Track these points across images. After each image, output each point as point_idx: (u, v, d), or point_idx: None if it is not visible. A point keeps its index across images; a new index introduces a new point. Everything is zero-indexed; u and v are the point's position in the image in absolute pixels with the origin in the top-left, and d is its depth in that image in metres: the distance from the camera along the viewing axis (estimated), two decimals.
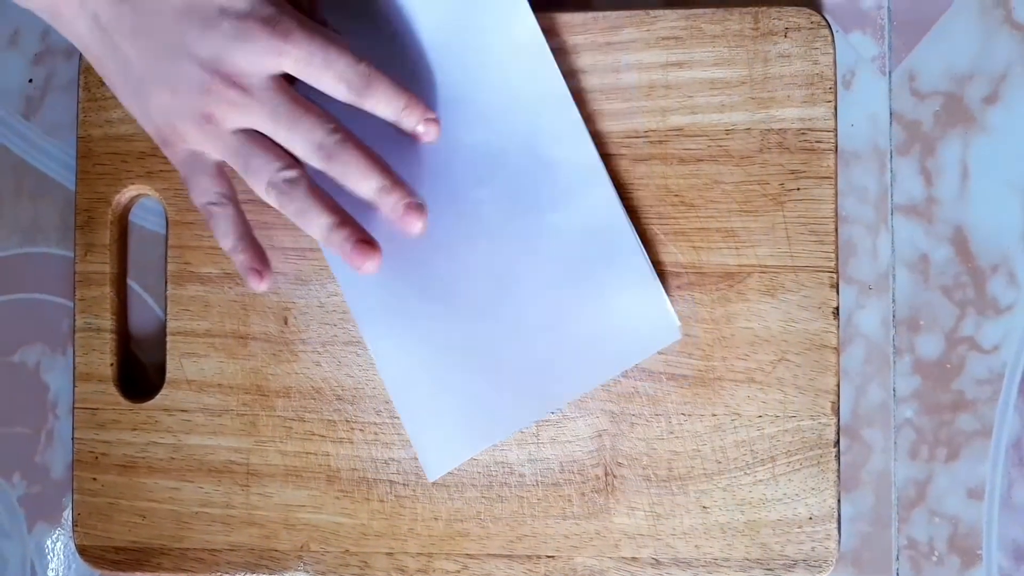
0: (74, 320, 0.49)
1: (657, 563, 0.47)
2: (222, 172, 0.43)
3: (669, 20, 0.47)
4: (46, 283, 0.52)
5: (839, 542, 0.46)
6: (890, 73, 0.49)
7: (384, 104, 0.43)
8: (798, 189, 0.47)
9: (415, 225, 0.43)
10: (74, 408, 0.49)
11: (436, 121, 0.44)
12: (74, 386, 0.49)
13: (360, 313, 0.47)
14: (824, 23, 0.47)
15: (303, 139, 0.42)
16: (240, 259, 0.44)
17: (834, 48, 0.46)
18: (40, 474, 0.52)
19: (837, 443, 0.46)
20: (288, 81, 0.42)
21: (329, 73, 0.41)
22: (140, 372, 0.51)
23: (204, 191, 0.43)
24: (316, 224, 0.42)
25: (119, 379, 0.49)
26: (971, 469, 0.48)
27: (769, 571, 0.46)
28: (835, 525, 0.46)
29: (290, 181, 0.42)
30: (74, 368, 0.49)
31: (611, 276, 0.46)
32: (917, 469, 0.48)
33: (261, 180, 0.42)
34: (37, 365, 0.52)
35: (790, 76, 0.47)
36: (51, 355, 0.52)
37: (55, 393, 0.52)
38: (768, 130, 0.47)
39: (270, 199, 0.42)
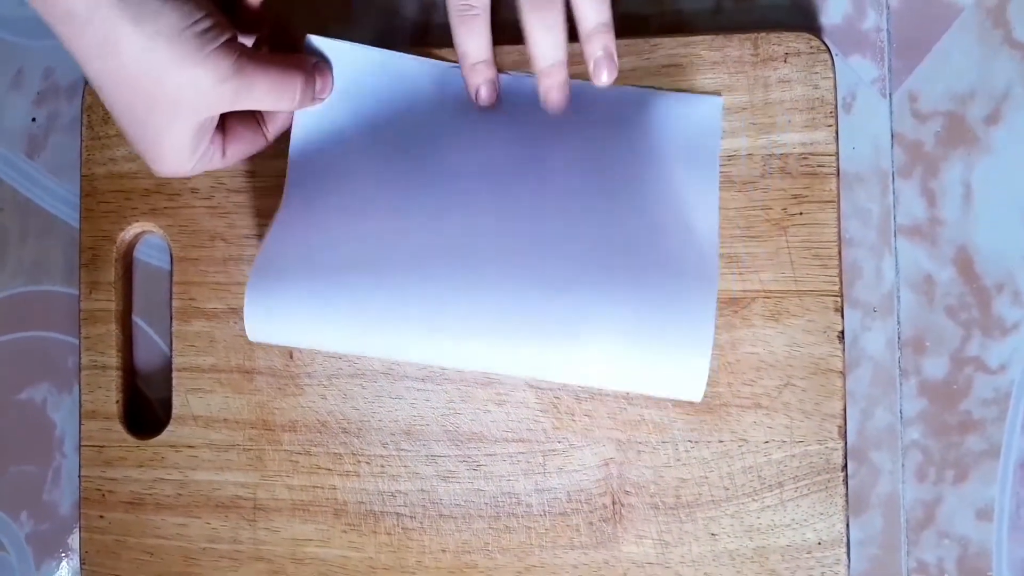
0: (80, 358, 0.49)
1: None
2: None
3: (668, 48, 0.47)
4: (51, 321, 0.52)
5: (848, 567, 0.46)
6: (891, 95, 0.49)
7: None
8: (801, 214, 0.46)
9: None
10: (80, 446, 0.49)
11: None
12: (80, 424, 0.49)
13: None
14: (824, 47, 0.46)
15: None
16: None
17: (834, 72, 0.46)
18: (47, 512, 0.52)
19: (844, 467, 0.46)
20: None
21: None
22: (146, 409, 0.51)
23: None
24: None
25: (125, 416, 0.50)
26: (979, 490, 0.48)
27: None
28: (844, 549, 0.46)
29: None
30: (80, 406, 0.49)
31: (675, 302, 0.44)
32: (925, 491, 0.48)
33: None
34: (43, 403, 0.52)
35: (791, 101, 0.47)
36: (57, 393, 0.52)
37: (61, 431, 0.52)
38: (770, 155, 0.47)
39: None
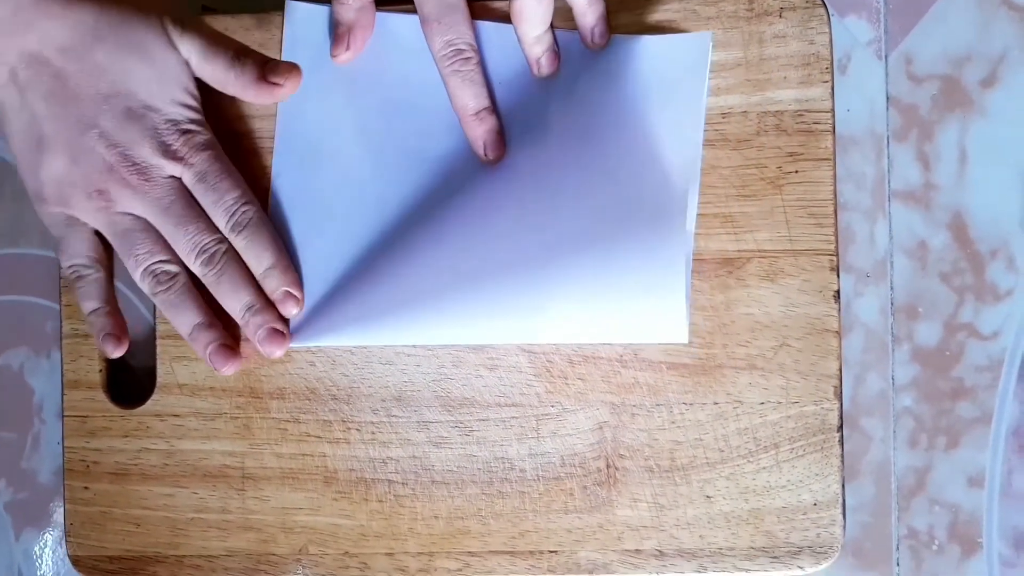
0: (61, 325, 0.48)
1: (661, 555, 0.46)
2: (95, 238, 0.45)
3: (663, 2, 0.46)
4: (29, 285, 0.51)
5: (844, 527, 0.45)
6: (886, 57, 0.49)
7: (252, 254, 0.45)
8: (796, 171, 0.46)
9: (272, 351, 0.46)
10: (63, 416, 0.48)
11: (296, 298, 0.46)
12: (63, 394, 0.48)
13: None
14: (819, 2, 0.46)
15: (187, 240, 0.44)
16: (100, 323, 0.46)
17: (830, 27, 0.46)
18: (27, 480, 0.51)
19: (840, 428, 0.46)
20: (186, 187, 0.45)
21: (214, 198, 0.44)
22: (130, 378, 0.50)
23: (76, 254, 0.45)
24: (184, 320, 0.45)
25: (108, 385, 0.48)
26: (971, 457, 0.48)
27: (774, 559, 0.46)
28: (840, 511, 0.45)
29: (169, 274, 0.45)
30: (62, 375, 0.48)
31: (646, 248, 0.45)
32: (917, 458, 0.48)
33: (140, 265, 0.44)
34: (21, 368, 0.51)
35: (786, 57, 0.46)
36: (35, 358, 0.51)
37: (40, 397, 0.51)
38: (765, 112, 0.46)
39: (144, 285, 0.45)
